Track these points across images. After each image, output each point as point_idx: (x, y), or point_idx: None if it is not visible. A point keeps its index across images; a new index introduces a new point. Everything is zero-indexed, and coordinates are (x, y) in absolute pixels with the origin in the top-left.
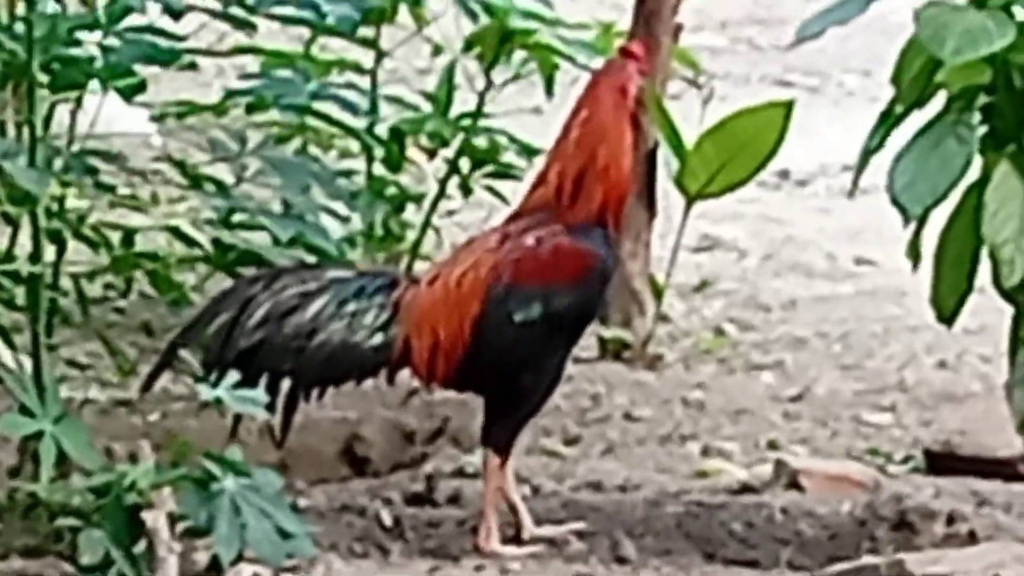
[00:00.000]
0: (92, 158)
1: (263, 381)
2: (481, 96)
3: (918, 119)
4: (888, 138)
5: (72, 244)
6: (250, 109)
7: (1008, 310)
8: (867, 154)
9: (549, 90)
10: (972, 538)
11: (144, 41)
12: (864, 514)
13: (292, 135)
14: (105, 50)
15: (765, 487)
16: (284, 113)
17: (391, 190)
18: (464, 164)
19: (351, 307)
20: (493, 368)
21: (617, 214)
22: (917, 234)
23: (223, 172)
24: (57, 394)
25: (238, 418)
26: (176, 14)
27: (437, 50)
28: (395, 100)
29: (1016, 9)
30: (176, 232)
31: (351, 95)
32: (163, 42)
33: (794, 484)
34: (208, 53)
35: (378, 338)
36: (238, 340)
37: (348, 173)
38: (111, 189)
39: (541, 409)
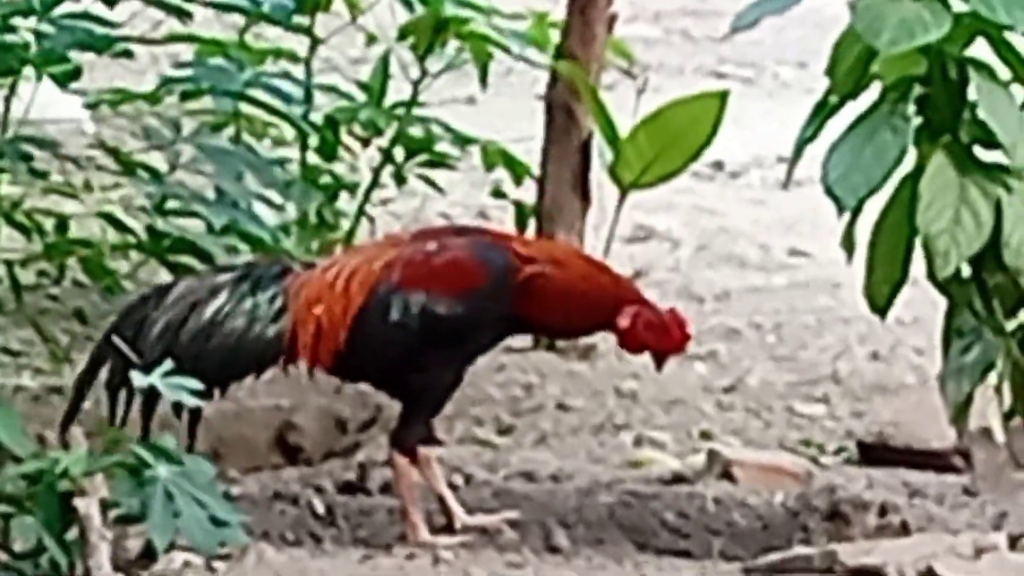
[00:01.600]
0: (26, 144)
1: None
2: (415, 85)
3: (853, 110)
4: (822, 129)
5: (5, 231)
6: (184, 97)
7: (942, 301)
8: (801, 145)
9: (483, 80)
10: (904, 529)
11: (79, 28)
12: (797, 505)
13: (226, 123)
14: (39, 36)
15: (698, 477)
16: (218, 101)
17: (325, 179)
18: (398, 153)
19: (248, 303)
20: (371, 363)
21: None
22: (851, 225)
23: (157, 160)
24: None
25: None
26: (111, 1)
27: (371, 39)
28: (329, 89)
29: (952, 0)
30: (110, 219)
31: (285, 84)
32: (98, 29)
33: (727, 474)
34: (143, 41)
35: (272, 329)
36: (143, 357)
37: (282, 161)
38: (44, 176)
39: (439, 412)
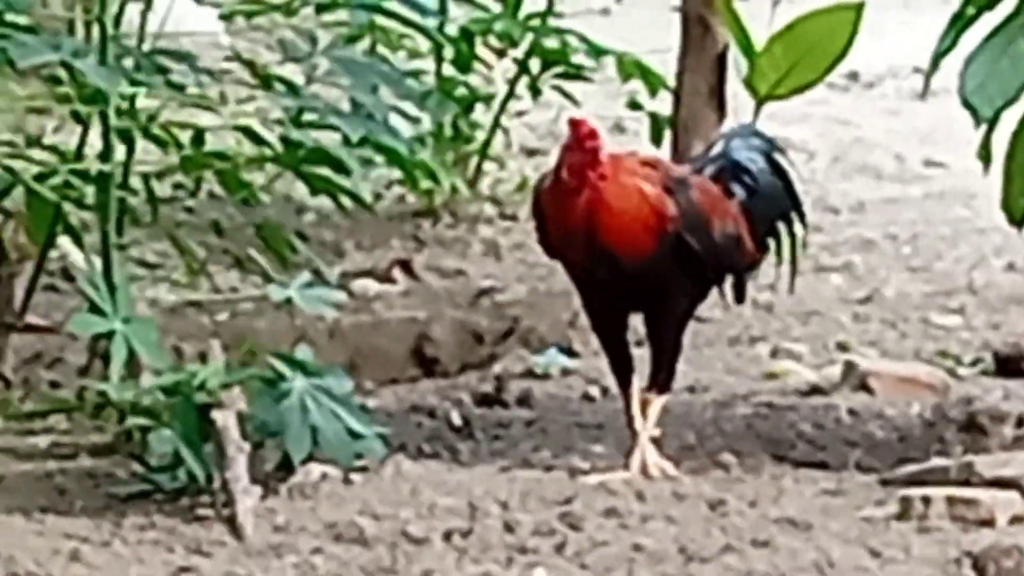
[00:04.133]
0: (162, 57)
1: None
2: None
3: (989, 21)
4: (959, 40)
5: (141, 144)
6: (319, 9)
7: None
8: (938, 56)
9: None
10: None
11: None
12: (933, 416)
13: (361, 35)
14: None
15: (834, 389)
16: (353, 13)
17: (460, 90)
18: (533, 65)
19: None
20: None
21: None
22: (988, 136)
23: (292, 72)
24: (127, 294)
25: None
26: None
27: None
28: (465, 1)
29: None
30: (245, 132)
31: None
32: None
33: (863, 386)
34: None
35: None
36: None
37: (417, 73)
38: (181, 89)
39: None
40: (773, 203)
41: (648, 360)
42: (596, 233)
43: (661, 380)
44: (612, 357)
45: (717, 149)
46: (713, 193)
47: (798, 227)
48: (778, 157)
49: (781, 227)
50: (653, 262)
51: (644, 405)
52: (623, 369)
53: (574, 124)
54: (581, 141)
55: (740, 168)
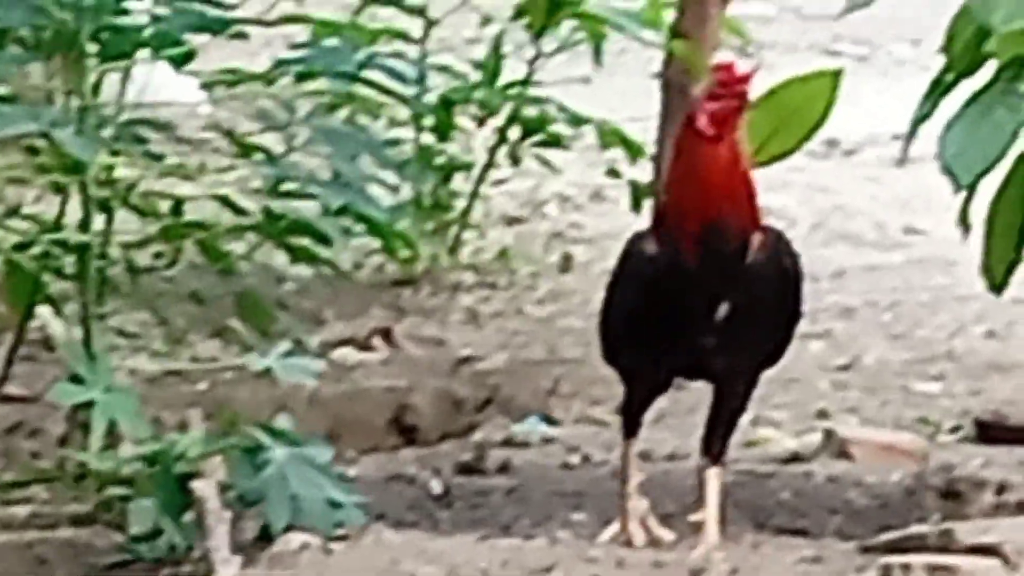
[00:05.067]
0: (141, 127)
1: None
2: (530, 65)
3: (968, 88)
4: (938, 107)
5: (121, 213)
6: (299, 78)
7: None
8: (917, 122)
9: (598, 59)
10: (1021, 508)
11: (193, 10)
12: (913, 483)
13: (341, 104)
14: (154, 19)
15: (814, 456)
16: (333, 82)
17: (440, 159)
18: (513, 133)
19: None
20: None
21: None
22: (967, 203)
23: (272, 141)
24: (107, 363)
25: None
26: None
27: (486, 19)
28: (444, 69)
29: None
30: (225, 201)
31: (400, 64)
32: (212, 11)
33: (843, 453)
34: (257, 22)
35: None
36: None
37: (397, 142)
38: (160, 158)
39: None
40: None
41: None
42: (723, 196)
43: (720, 450)
44: (642, 397)
45: None
46: None
47: None
48: None
49: None
50: (757, 261)
51: (703, 478)
52: (640, 417)
53: (723, 67)
54: (730, 85)
55: None
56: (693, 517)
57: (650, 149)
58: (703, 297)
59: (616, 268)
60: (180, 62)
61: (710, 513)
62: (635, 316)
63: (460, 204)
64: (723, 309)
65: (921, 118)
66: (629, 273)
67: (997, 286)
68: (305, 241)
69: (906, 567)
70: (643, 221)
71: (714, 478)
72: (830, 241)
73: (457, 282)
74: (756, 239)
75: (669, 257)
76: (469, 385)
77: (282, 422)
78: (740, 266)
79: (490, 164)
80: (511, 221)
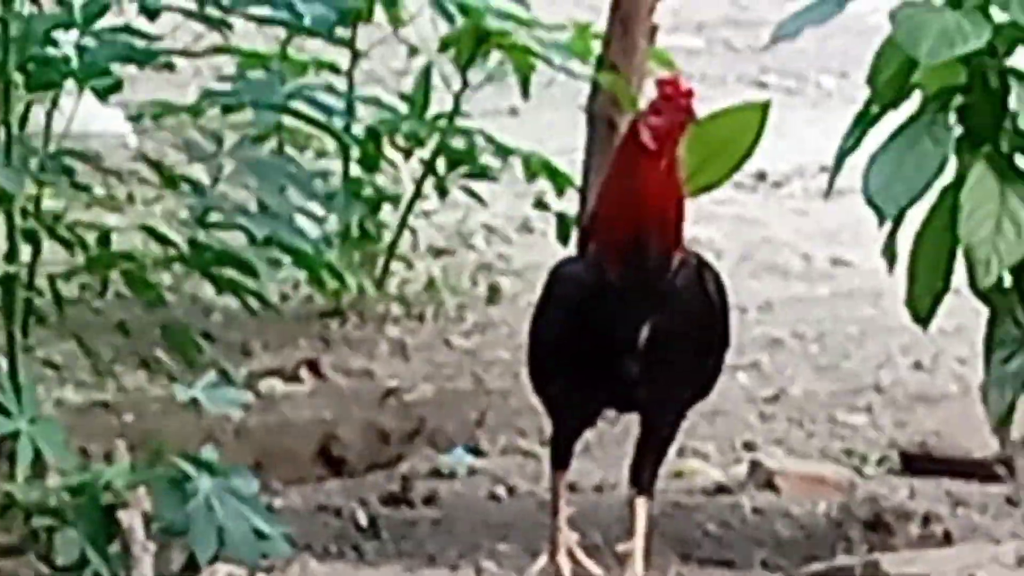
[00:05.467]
0: (68, 158)
1: None
2: (457, 97)
3: (894, 120)
4: (864, 139)
5: (48, 244)
6: (226, 110)
7: (983, 311)
8: (843, 155)
9: (525, 91)
10: (947, 539)
11: (120, 41)
12: (839, 515)
13: (268, 135)
14: (81, 50)
15: (740, 488)
16: (260, 114)
17: (367, 191)
18: (440, 165)
19: None
20: None
21: None
22: (893, 235)
23: (199, 172)
24: (33, 394)
25: None
26: (152, 14)
27: (413, 51)
28: (371, 101)
29: (992, 10)
30: (152, 232)
31: (327, 96)
32: (139, 42)
33: (769, 485)
34: (184, 53)
35: None
36: None
37: (324, 174)
38: (87, 189)
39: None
40: None
41: (632, 454)
42: (654, 212)
43: (649, 481)
44: (573, 428)
45: None
46: None
47: None
48: None
49: None
50: (679, 282)
51: (633, 508)
52: (569, 449)
53: (667, 82)
54: (674, 100)
55: None
56: (620, 548)
57: (577, 181)
58: (626, 318)
59: (542, 293)
60: (107, 93)
61: (636, 544)
62: (561, 341)
63: (387, 236)
64: (645, 331)
65: (847, 150)
66: (555, 296)
67: (923, 318)
68: (232, 272)
69: None
70: (570, 252)
71: (641, 509)
72: (757, 273)
73: (384, 313)
74: (678, 259)
75: (594, 276)
76: (396, 416)
77: (208, 453)
78: (662, 285)
79: (417, 195)
80: (438, 253)
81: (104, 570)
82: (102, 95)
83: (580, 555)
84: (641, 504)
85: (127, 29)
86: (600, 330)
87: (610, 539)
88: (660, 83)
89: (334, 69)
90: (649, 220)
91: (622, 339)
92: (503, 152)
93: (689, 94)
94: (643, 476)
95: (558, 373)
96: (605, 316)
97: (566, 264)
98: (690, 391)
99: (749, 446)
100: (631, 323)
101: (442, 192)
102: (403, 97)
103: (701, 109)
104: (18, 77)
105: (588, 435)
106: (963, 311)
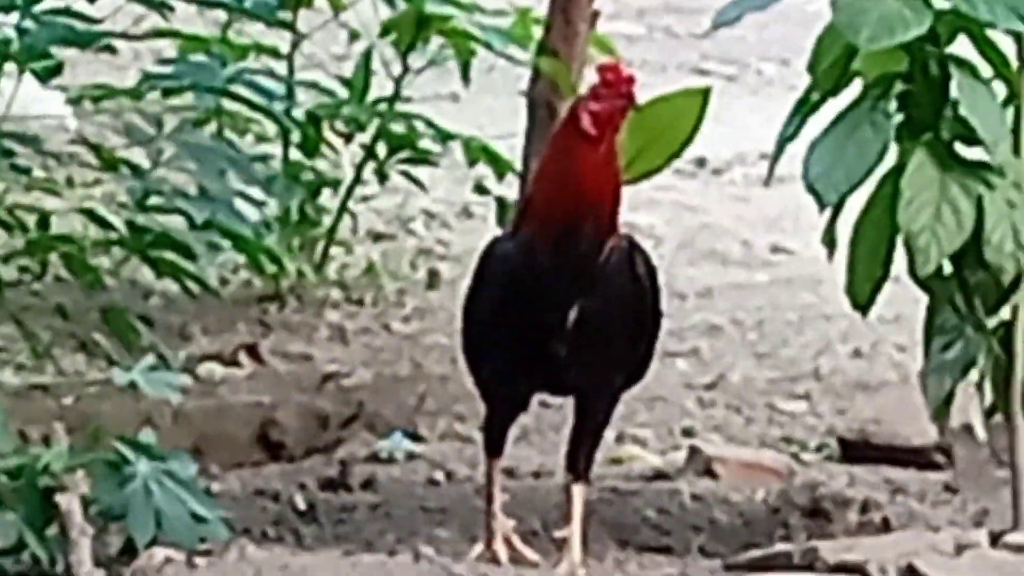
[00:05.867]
0: (8, 140)
1: None
2: (398, 82)
3: (834, 107)
4: (804, 126)
5: None
6: (166, 93)
7: (923, 299)
8: (783, 142)
9: (465, 76)
10: (886, 526)
11: (61, 23)
12: (778, 502)
13: (208, 119)
14: (21, 32)
15: (679, 474)
16: (200, 97)
17: (307, 175)
18: (380, 149)
19: None
20: None
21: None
22: (832, 222)
23: (139, 156)
24: None
25: None
26: None
27: (354, 35)
28: (312, 85)
29: None
30: (91, 215)
31: (268, 80)
32: (80, 25)
33: (708, 471)
34: (125, 36)
35: None
36: None
37: (264, 158)
38: (27, 172)
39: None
40: None
41: (567, 440)
42: (590, 197)
43: (585, 466)
44: (506, 413)
45: None
46: None
47: None
48: None
49: None
50: (608, 265)
51: (570, 494)
52: (503, 435)
53: (608, 68)
54: (615, 86)
55: None
56: (557, 534)
57: (517, 166)
58: (554, 300)
59: (475, 270)
60: (47, 75)
61: (573, 530)
62: (492, 320)
63: (327, 220)
64: (574, 313)
65: (787, 138)
66: (486, 275)
67: (862, 305)
68: (171, 256)
69: None
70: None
71: (578, 495)
72: (696, 260)
73: (323, 298)
74: (610, 244)
75: (525, 256)
76: (334, 401)
77: (146, 437)
78: (592, 268)
79: (357, 180)
80: (378, 237)
81: (42, 553)
82: (42, 77)
83: (517, 542)
84: (577, 490)
85: (67, 11)
86: (529, 311)
87: (548, 525)
88: (601, 69)
89: (275, 53)
90: (585, 205)
91: (550, 321)
92: (443, 137)
93: (630, 80)
94: (579, 462)
95: (490, 353)
96: (534, 297)
97: (499, 242)
98: (623, 375)
99: (688, 432)
100: (560, 305)
101: (382, 177)
102: (343, 82)
103: (641, 95)
104: None
105: (526, 421)
106: (902, 299)
